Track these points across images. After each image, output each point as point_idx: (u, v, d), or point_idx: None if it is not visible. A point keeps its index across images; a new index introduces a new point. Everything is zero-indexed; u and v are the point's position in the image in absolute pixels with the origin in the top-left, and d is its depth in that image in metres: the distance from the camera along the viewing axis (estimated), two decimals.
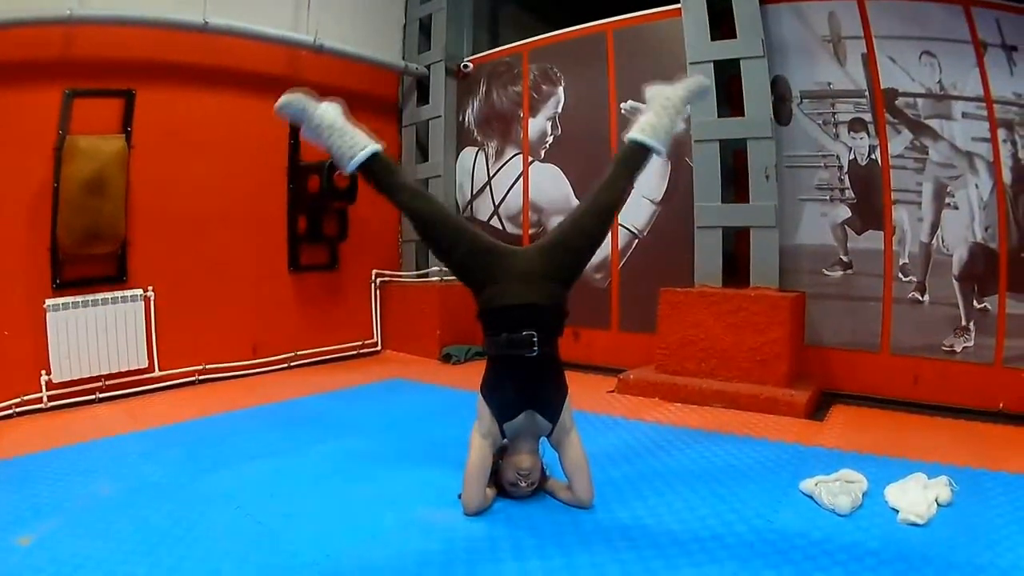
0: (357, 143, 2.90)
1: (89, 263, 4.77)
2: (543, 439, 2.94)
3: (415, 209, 2.97)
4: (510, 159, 6.64)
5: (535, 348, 2.73)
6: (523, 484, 2.90)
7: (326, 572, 2.35)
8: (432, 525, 2.73)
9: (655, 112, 3.04)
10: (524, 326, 2.73)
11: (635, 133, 3.02)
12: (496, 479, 2.94)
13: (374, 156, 2.91)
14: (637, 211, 5.78)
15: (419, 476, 3.26)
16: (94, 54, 4.80)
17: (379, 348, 6.93)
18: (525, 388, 2.81)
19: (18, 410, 4.44)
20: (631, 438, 3.93)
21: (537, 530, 2.69)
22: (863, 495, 2.87)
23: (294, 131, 6.07)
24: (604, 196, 3.02)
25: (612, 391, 5.10)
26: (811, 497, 2.92)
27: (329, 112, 2.94)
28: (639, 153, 3.03)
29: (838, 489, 2.85)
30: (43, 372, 4.53)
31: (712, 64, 5.00)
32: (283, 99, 2.95)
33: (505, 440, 2.90)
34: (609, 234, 5.79)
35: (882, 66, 4.63)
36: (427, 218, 2.96)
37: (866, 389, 4.77)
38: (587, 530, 2.69)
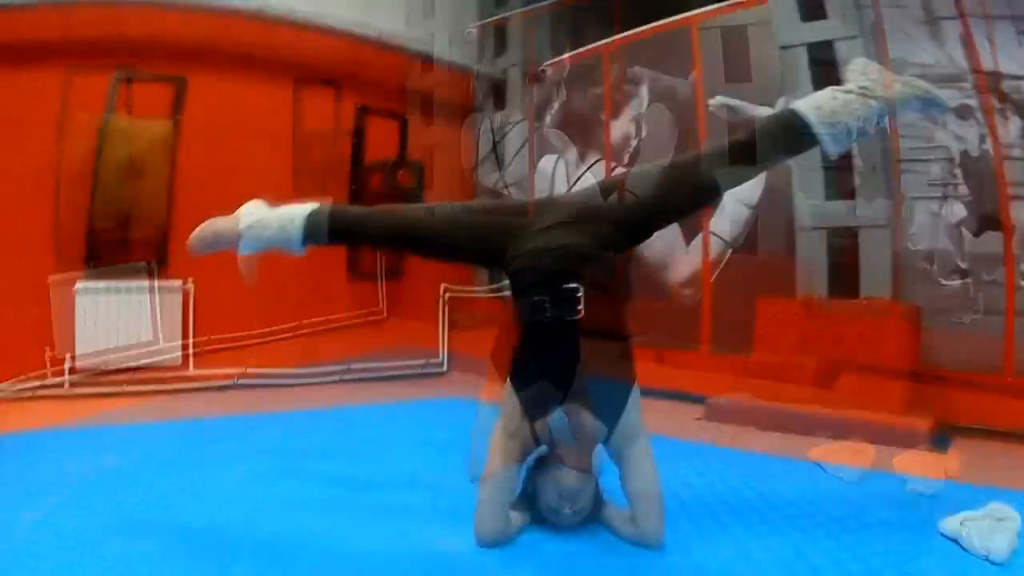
0: (289, 216, 2.33)
1: (125, 248, 4.79)
2: (602, 449, 2.27)
3: (405, 247, 2.71)
4: (592, 165, 6.26)
5: (578, 308, 2.10)
6: (566, 510, 2.22)
7: None
8: (432, 555, 2.14)
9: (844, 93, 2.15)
10: (560, 279, 2.12)
11: (800, 104, 2.18)
12: (530, 501, 2.31)
13: (313, 216, 2.33)
14: (730, 217, 5.28)
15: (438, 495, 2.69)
16: (146, 36, 4.83)
17: (444, 368, 6.43)
18: (563, 369, 2.16)
19: (39, 393, 4.43)
20: (719, 466, 3.26)
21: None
22: (1019, 535, 2.29)
23: (358, 130, 5.96)
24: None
25: (699, 418, 4.47)
26: (955, 540, 2.32)
27: (253, 212, 2.36)
28: (791, 133, 2.16)
29: (989, 529, 2.28)
30: (67, 356, 4.51)
31: (805, 47, 4.75)
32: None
33: (543, 447, 2.27)
34: (699, 243, 5.31)
35: (981, 48, 4.23)
36: (419, 241, 2.48)
37: (988, 417, 4.10)
38: None
